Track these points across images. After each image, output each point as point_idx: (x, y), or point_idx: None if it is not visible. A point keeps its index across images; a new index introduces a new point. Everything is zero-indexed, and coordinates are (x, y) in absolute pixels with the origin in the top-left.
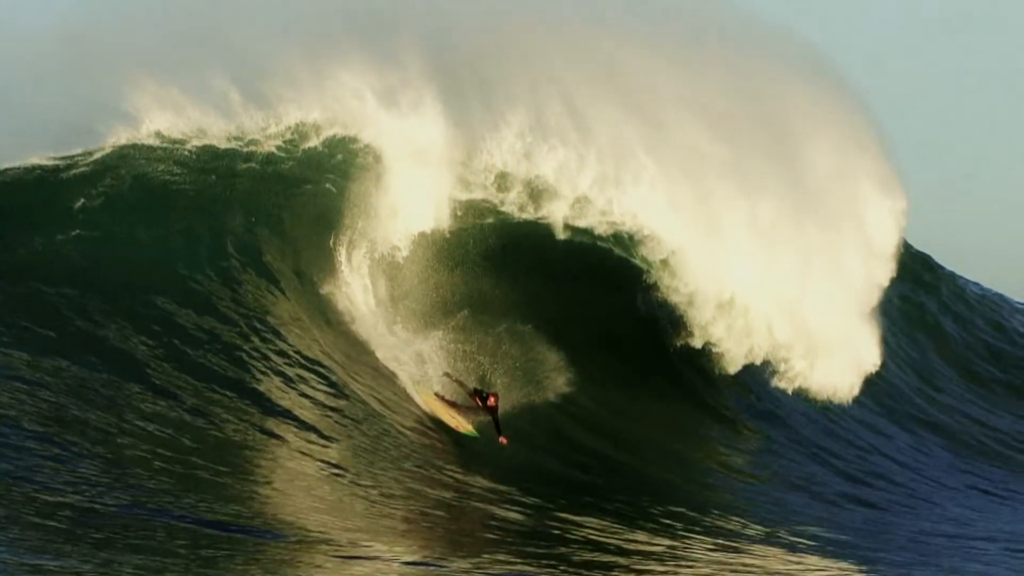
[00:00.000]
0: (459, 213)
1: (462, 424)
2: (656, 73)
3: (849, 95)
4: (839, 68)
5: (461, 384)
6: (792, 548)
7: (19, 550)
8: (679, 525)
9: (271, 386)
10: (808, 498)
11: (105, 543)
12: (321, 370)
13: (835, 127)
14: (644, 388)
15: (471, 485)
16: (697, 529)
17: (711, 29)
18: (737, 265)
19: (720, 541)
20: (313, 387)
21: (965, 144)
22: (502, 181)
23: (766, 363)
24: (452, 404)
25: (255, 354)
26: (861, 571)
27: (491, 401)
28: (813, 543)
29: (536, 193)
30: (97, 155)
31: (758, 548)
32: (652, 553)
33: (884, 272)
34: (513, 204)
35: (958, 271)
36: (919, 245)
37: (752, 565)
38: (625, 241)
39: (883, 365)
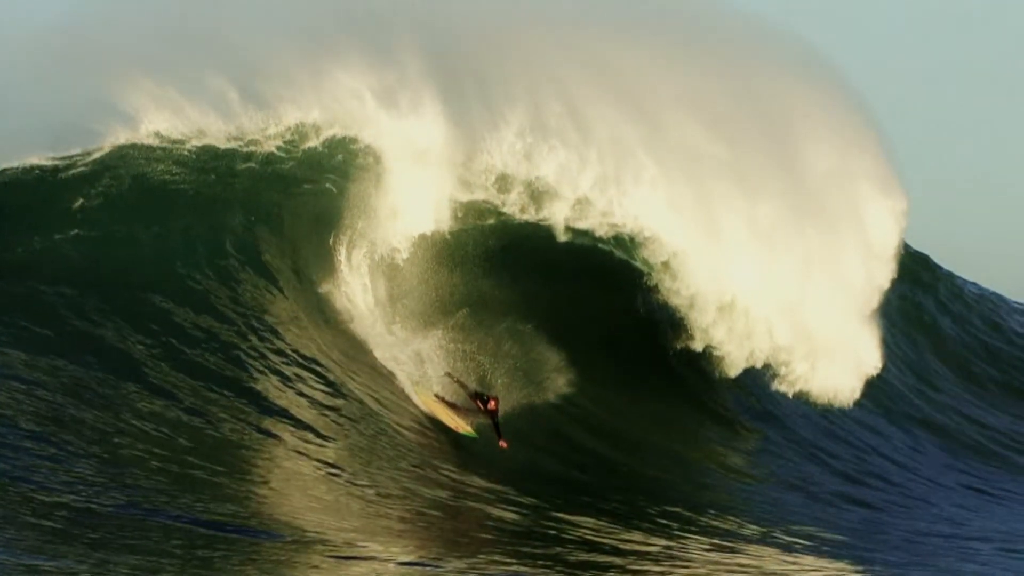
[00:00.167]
0: (459, 214)
1: (461, 425)
2: (655, 73)
3: (848, 95)
4: (838, 68)
5: (462, 385)
6: (788, 548)
7: (15, 550)
8: (675, 525)
9: (268, 385)
10: (804, 498)
11: (101, 543)
12: (318, 369)
13: (835, 127)
14: (643, 389)
15: (468, 485)
16: (693, 529)
17: (710, 29)
18: (738, 267)
19: (716, 541)
20: (310, 386)
21: (965, 144)
22: (502, 182)
23: (767, 366)
24: (452, 405)
25: (253, 353)
26: (856, 571)
27: (491, 405)
28: (809, 543)
29: (537, 194)
30: (96, 155)
31: (754, 548)
32: (648, 553)
33: (884, 274)
34: (514, 205)
35: (956, 271)
36: (917, 245)
37: (748, 565)
38: (626, 243)
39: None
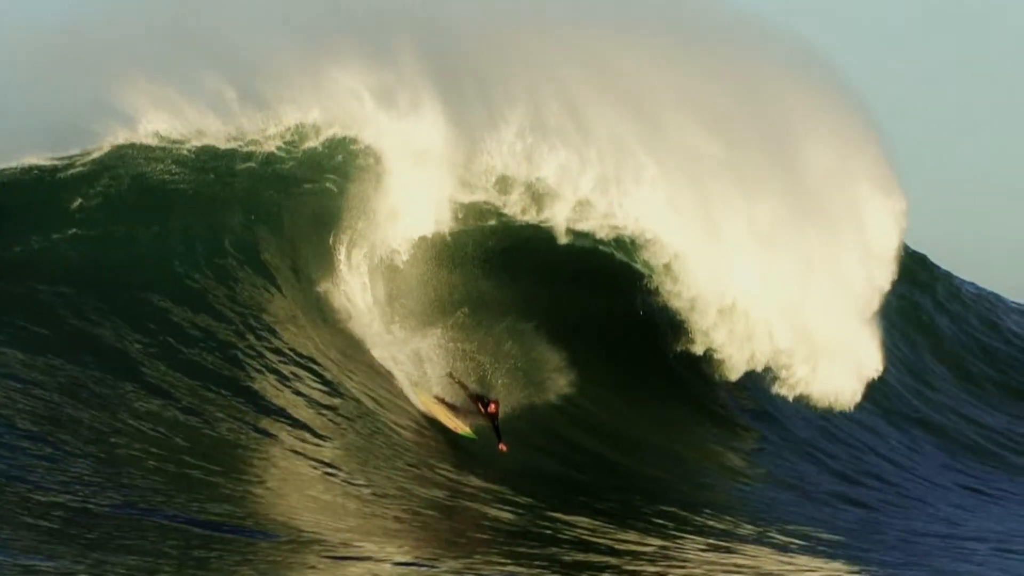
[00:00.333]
0: (459, 215)
1: (460, 426)
2: (655, 74)
3: (848, 95)
4: (838, 68)
5: (463, 386)
6: (784, 548)
7: (12, 550)
8: (671, 525)
9: (265, 384)
10: (801, 497)
11: (98, 543)
12: (316, 368)
13: (835, 127)
14: (642, 390)
15: (465, 484)
16: (689, 529)
17: (710, 29)
18: (738, 269)
19: (712, 541)
20: (307, 385)
21: (963, 144)
22: (503, 183)
23: (767, 369)
24: (451, 406)
25: (250, 352)
26: (852, 572)
27: (491, 408)
28: (805, 543)
29: (537, 196)
30: (95, 155)
31: (750, 548)
32: (643, 553)
33: (885, 275)
34: (514, 207)
35: (954, 271)
36: (915, 245)
37: (743, 565)
38: (627, 246)
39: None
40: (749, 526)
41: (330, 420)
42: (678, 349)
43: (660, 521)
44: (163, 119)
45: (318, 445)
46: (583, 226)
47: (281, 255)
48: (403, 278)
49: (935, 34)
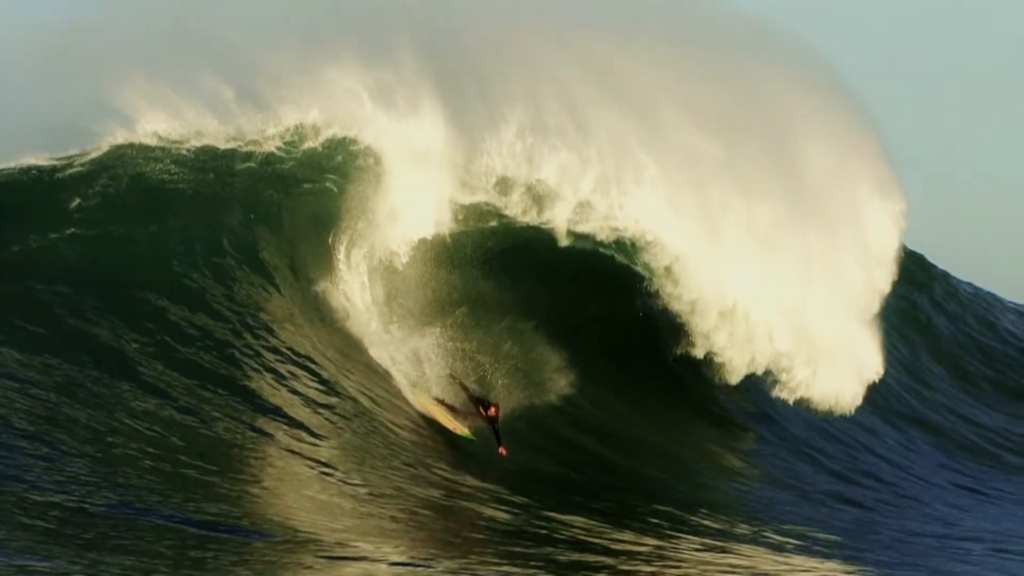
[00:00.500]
0: (459, 216)
1: (459, 427)
2: (655, 74)
3: (848, 95)
4: (838, 68)
5: (464, 388)
6: (779, 548)
7: (8, 551)
8: (667, 524)
9: (262, 384)
10: (797, 497)
11: (93, 543)
12: (313, 367)
13: (834, 128)
14: (641, 391)
15: (461, 484)
16: (684, 528)
17: (709, 30)
18: (739, 271)
19: (707, 541)
20: (304, 384)
21: (961, 144)
22: (503, 184)
23: (768, 372)
24: (450, 408)
25: (247, 351)
26: (847, 571)
27: (492, 412)
28: (800, 543)
29: (538, 197)
30: (93, 155)
31: (745, 548)
32: (639, 553)
33: (885, 277)
34: (515, 208)
35: (951, 271)
36: (912, 244)
37: (739, 565)
38: (627, 248)
39: None
40: (745, 526)
41: (326, 419)
42: (678, 352)
43: (656, 521)
44: (162, 119)
45: (314, 444)
46: (584, 228)
47: (280, 255)
48: (402, 278)
49: (935, 34)
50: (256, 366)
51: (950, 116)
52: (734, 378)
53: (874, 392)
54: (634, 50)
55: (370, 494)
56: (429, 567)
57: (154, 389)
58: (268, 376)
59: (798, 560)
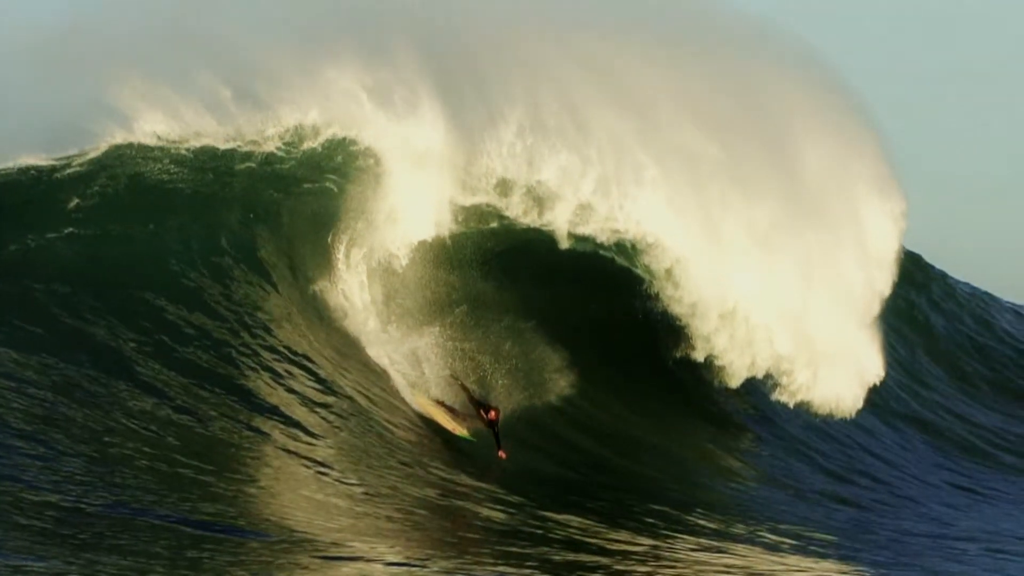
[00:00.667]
0: (459, 217)
1: (458, 428)
2: (654, 74)
3: (848, 96)
4: (837, 69)
5: (465, 389)
6: (775, 548)
7: (3, 551)
8: (662, 524)
9: (259, 383)
10: (793, 497)
11: (89, 543)
12: (310, 366)
13: (834, 129)
14: (640, 392)
15: (457, 484)
16: (680, 528)
17: (709, 30)
18: (739, 274)
19: (703, 541)
20: (301, 383)
21: (959, 144)
22: (503, 186)
23: (768, 375)
24: (450, 409)
25: (244, 350)
26: (842, 571)
27: (492, 415)
28: (796, 542)
29: (538, 199)
30: (92, 155)
31: (741, 548)
32: (634, 553)
33: (885, 279)
34: (515, 209)
35: (948, 271)
36: (910, 244)
37: (734, 565)
38: (628, 251)
39: None
40: (741, 525)
41: (323, 419)
42: (678, 354)
43: (651, 521)
44: (160, 120)
45: (311, 444)
46: (584, 230)
47: (278, 254)
48: (402, 279)
49: (935, 34)
50: (253, 365)
51: (950, 116)
52: (734, 381)
53: (871, 391)
54: (634, 50)
55: (366, 494)
56: (425, 567)
57: (151, 388)
58: (265, 375)
59: (794, 560)
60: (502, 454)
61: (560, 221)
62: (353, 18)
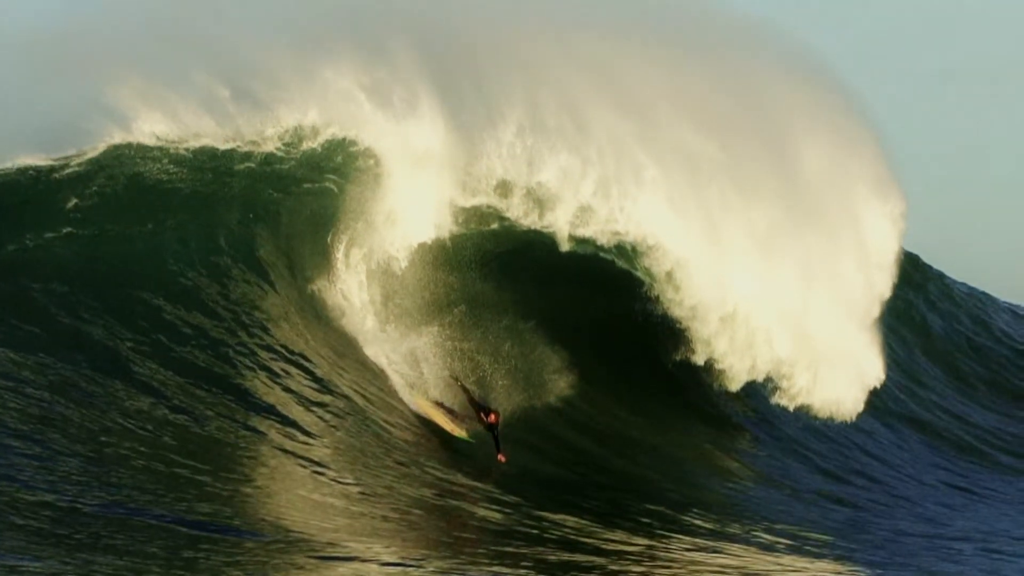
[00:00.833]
0: (459, 218)
1: (456, 429)
2: (653, 75)
3: (847, 96)
4: (836, 69)
5: (465, 390)
6: (770, 548)
7: None
8: (658, 524)
9: (256, 382)
10: (789, 496)
11: (85, 543)
12: (307, 366)
13: (834, 129)
14: (638, 393)
15: (453, 484)
16: (676, 528)
17: (708, 31)
18: (739, 276)
19: (699, 540)
20: (298, 383)
21: (958, 144)
22: (503, 187)
23: (768, 378)
24: (449, 410)
25: (241, 350)
26: (838, 571)
27: (491, 418)
28: (792, 542)
29: (538, 200)
30: (90, 154)
31: (737, 547)
32: (629, 553)
33: (885, 282)
34: (515, 210)
35: (946, 271)
36: (908, 244)
37: (729, 565)
38: (628, 253)
39: None
40: (736, 525)
41: (319, 418)
42: (678, 357)
43: (647, 521)
44: (159, 120)
45: (307, 443)
46: (584, 232)
47: (277, 254)
48: (401, 279)
49: (935, 34)
50: (250, 365)
51: (950, 116)
52: (735, 385)
53: (869, 393)
54: (634, 50)
55: (362, 493)
56: (421, 567)
57: (148, 388)
58: (262, 375)
59: (789, 560)
60: (502, 457)
61: (561, 223)
62: (352, 18)
